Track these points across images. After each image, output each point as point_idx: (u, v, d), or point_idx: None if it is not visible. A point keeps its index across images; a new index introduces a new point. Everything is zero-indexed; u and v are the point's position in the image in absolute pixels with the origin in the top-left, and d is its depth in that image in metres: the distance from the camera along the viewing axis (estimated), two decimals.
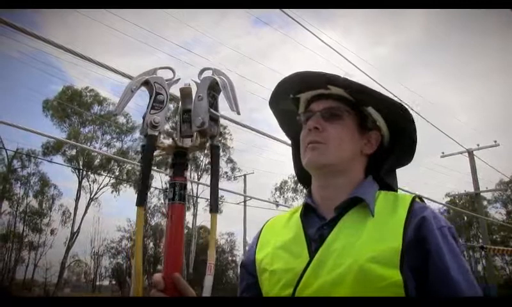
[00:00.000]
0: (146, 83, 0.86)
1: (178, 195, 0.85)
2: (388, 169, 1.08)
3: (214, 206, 0.86)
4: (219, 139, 0.91)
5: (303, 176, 1.14)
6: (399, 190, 1.08)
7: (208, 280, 0.82)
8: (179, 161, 0.87)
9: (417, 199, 0.97)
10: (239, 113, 0.85)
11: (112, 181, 30.22)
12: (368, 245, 0.88)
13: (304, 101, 1.11)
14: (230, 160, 31.48)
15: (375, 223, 0.92)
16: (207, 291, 0.81)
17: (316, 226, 0.98)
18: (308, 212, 1.04)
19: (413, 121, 1.04)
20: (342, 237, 0.92)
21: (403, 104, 1.02)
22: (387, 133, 1.08)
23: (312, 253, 0.93)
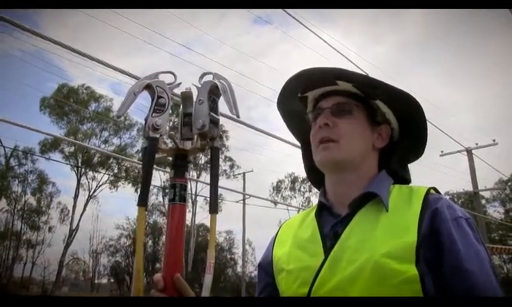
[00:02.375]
0: (148, 87, 0.88)
1: (178, 196, 0.87)
2: (401, 161, 1.07)
3: (214, 207, 0.88)
4: (220, 141, 0.93)
5: (313, 177, 1.14)
6: None
7: (208, 279, 0.83)
8: (180, 163, 0.89)
9: (432, 191, 0.96)
10: (238, 116, 0.87)
11: (112, 178, 30.22)
12: (383, 241, 0.87)
13: (312, 99, 1.10)
14: (229, 159, 31.50)
15: (389, 218, 0.91)
16: (206, 290, 0.83)
17: (331, 223, 0.98)
18: (323, 210, 1.04)
19: (421, 110, 1.02)
20: (356, 233, 0.92)
21: (410, 94, 1.00)
22: (396, 125, 1.07)
23: (327, 251, 0.93)
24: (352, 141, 1.00)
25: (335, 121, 1.01)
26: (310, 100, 1.11)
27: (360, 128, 1.02)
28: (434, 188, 0.98)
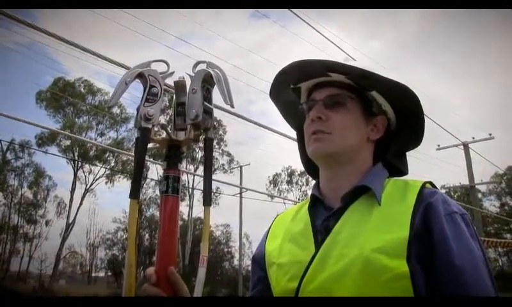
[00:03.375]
0: (140, 76, 0.86)
1: (171, 188, 0.85)
2: (397, 152, 1.05)
3: (208, 199, 0.86)
4: (214, 132, 0.91)
5: (310, 167, 1.11)
6: None
7: (201, 272, 0.82)
8: (173, 154, 0.87)
9: (428, 185, 0.94)
10: (232, 106, 0.85)
11: (108, 172, 30.19)
12: (374, 235, 0.85)
13: (306, 90, 1.08)
14: (227, 154, 31.45)
15: (382, 212, 0.89)
16: (199, 283, 0.81)
17: (323, 217, 0.97)
18: (316, 203, 1.02)
19: (418, 102, 1.00)
20: (348, 227, 0.90)
21: (407, 85, 0.98)
22: (393, 116, 1.05)
23: (318, 245, 0.92)
24: (345, 133, 0.98)
25: (328, 114, 0.99)
26: (304, 90, 1.09)
27: (354, 120, 1.00)
28: (430, 183, 0.96)
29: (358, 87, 1.00)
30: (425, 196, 0.90)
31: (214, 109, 0.88)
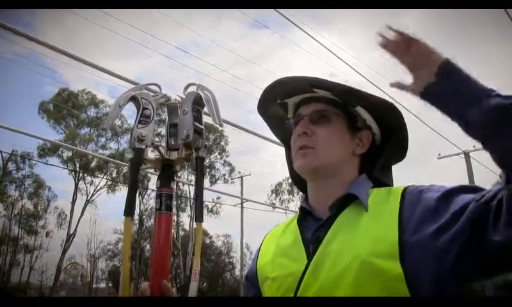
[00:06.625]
0: (133, 99, 0.90)
1: (164, 205, 0.88)
2: (382, 166, 1.07)
3: (199, 216, 0.89)
4: (206, 148, 0.94)
5: (298, 180, 1.13)
6: None
7: (193, 286, 0.85)
8: (166, 173, 0.90)
9: (410, 188, 0.96)
10: (221, 125, 0.89)
11: (110, 183, 30.16)
12: (366, 240, 0.87)
13: (293, 105, 1.11)
14: (228, 164, 31.43)
15: (370, 217, 0.92)
16: (192, 296, 0.85)
17: (313, 228, 0.98)
18: (305, 215, 1.04)
19: (401, 118, 1.03)
20: (339, 236, 0.92)
21: (390, 102, 1.02)
22: (378, 131, 1.08)
23: (310, 255, 0.94)
24: (330, 148, 1.01)
25: (313, 129, 1.02)
26: (291, 106, 1.12)
27: (339, 135, 1.03)
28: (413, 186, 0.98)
29: (343, 103, 1.03)
30: (409, 194, 0.92)
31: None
